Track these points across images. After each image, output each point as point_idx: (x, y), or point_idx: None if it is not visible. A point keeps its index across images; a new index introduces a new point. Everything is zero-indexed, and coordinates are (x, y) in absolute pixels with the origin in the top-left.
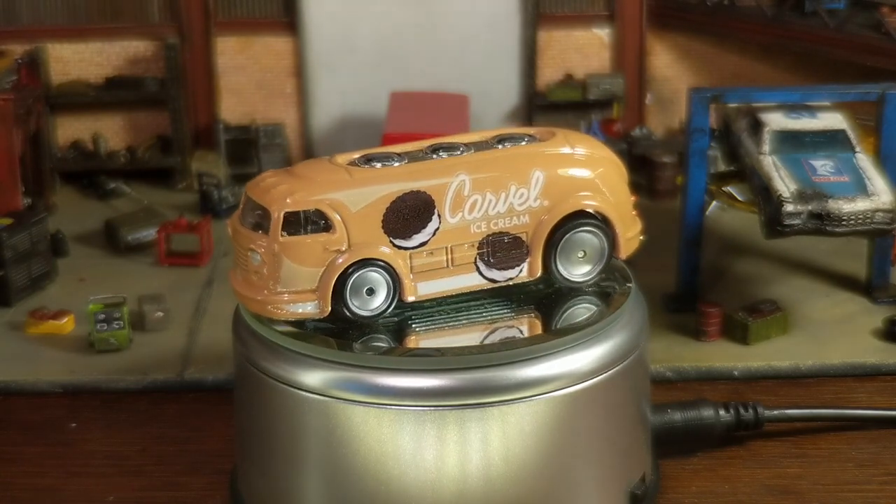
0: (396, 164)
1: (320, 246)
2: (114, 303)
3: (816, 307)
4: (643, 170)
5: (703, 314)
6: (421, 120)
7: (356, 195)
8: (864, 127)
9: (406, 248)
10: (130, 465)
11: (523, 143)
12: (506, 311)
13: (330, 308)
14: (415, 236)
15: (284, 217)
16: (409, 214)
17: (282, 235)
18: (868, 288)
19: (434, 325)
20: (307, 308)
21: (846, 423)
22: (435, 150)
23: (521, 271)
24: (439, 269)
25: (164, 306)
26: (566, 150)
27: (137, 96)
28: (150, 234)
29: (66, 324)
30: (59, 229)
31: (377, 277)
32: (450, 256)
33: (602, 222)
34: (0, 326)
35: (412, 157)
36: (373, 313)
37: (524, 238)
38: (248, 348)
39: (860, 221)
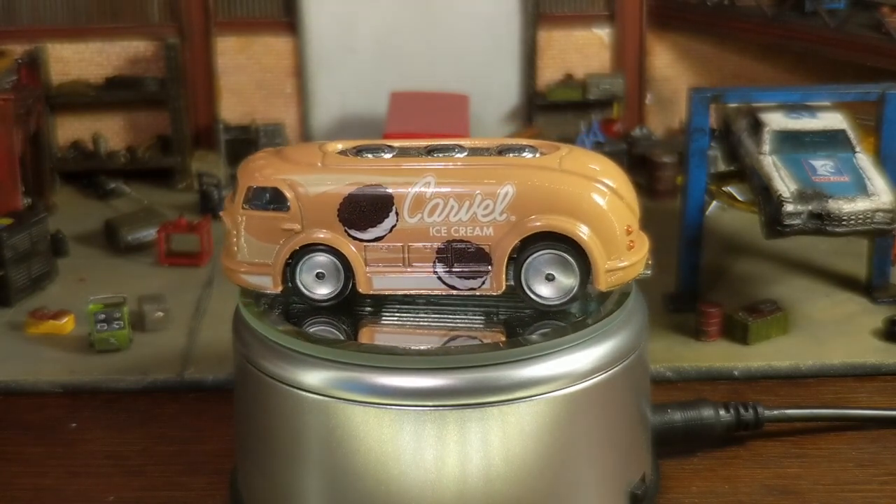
0: (385, 157)
1: (275, 223)
2: (114, 303)
3: (816, 307)
4: (643, 170)
5: (703, 314)
6: (421, 120)
7: (316, 180)
8: (864, 127)
9: (361, 241)
10: (130, 465)
11: (523, 154)
12: (478, 318)
13: (281, 285)
14: (370, 230)
15: (247, 191)
16: (366, 208)
17: (243, 208)
18: (868, 288)
19: (399, 322)
20: (262, 281)
21: (846, 423)
22: (431, 150)
23: (483, 283)
24: (396, 267)
25: (164, 306)
26: (551, 168)
27: (137, 96)
28: (150, 234)
29: (66, 324)
30: (59, 229)
31: (328, 263)
32: (407, 256)
33: (575, 248)
34: (0, 326)
35: (403, 152)
36: (324, 298)
37: (487, 250)
38: (248, 348)
39: (860, 221)
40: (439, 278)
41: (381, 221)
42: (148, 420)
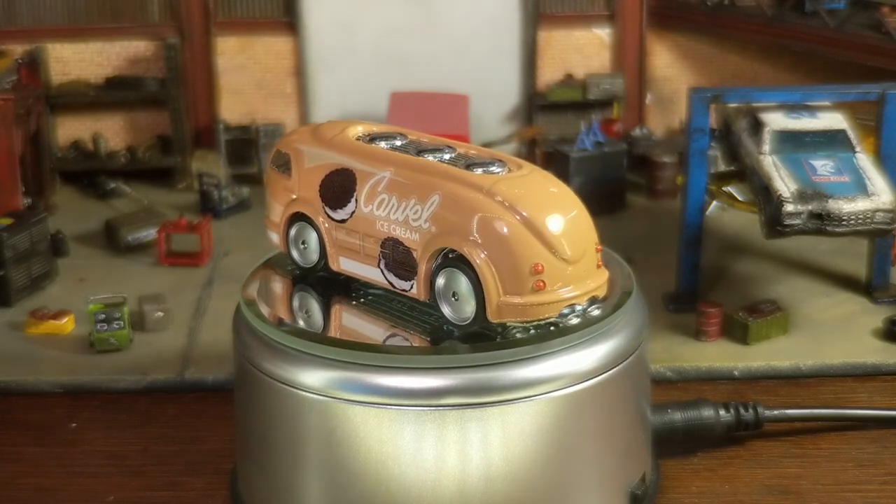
0: (398, 144)
1: (283, 186)
2: (114, 303)
3: (816, 307)
4: (643, 170)
5: (703, 314)
6: (421, 120)
7: (313, 154)
8: (864, 127)
9: (332, 219)
10: (130, 465)
11: (491, 169)
12: (429, 323)
13: (285, 245)
14: (338, 211)
15: (275, 152)
16: (337, 189)
17: (270, 167)
18: (868, 288)
19: (363, 306)
20: (274, 238)
21: (846, 423)
22: (421, 149)
23: (412, 287)
24: (354, 252)
25: (164, 306)
26: (478, 188)
27: (137, 96)
28: (150, 234)
29: (66, 324)
30: (59, 229)
31: (310, 233)
32: (362, 243)
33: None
34: (0, 326)
35: (400, 148)
36: (306, 265)
37: (415, 255)
38: (248, 348)
39: (860, 221)
40: (382, 272)
41: (345, 205)
42: (148, 420)
